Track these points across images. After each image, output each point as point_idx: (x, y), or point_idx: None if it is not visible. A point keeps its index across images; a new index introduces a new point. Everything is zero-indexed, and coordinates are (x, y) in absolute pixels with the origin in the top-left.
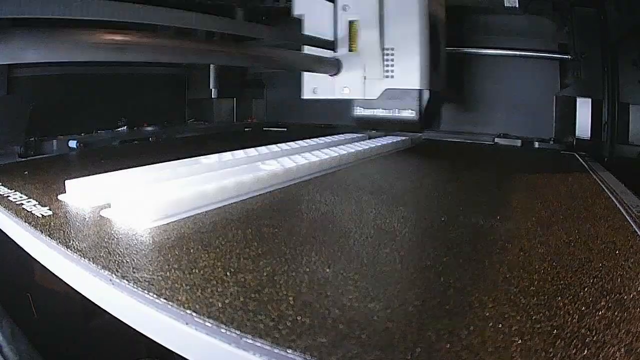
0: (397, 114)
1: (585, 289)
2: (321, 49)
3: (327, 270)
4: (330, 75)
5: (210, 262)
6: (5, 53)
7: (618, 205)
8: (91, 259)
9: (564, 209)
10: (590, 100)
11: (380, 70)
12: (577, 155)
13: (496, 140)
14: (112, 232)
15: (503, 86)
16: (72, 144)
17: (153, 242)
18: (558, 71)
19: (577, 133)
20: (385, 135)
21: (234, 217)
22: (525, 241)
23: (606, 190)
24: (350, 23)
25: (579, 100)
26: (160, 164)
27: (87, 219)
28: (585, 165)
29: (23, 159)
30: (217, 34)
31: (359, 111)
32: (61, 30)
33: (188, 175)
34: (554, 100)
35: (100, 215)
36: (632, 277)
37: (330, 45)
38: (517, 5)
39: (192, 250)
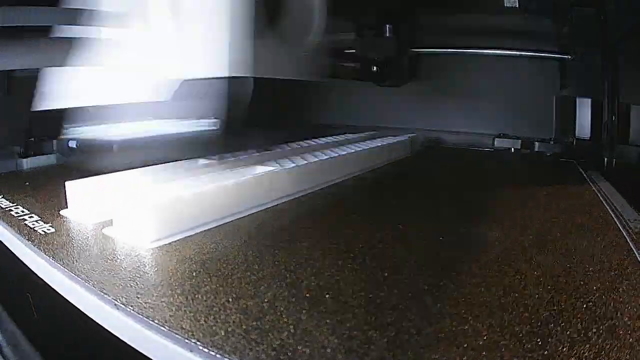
0: (192, 126)
1: (578, 315)
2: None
3: (326, 296)
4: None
5: (212, 287)
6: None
7: (616, 220)
8: (95, 282)
9: (562, 226)
10: (590, 100)
11: (171, 50)
12: (576, 163)
13: (496, 140)
14: (115, 253)
15: (503, 86)
16: (72, 144)
17: (155, 264)
18: (558, 71)
19: (577, 133)
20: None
21: (235, 237)
22: (522, 262)
23: (605, 204)
24: None
25: (579, 100)
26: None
27: (89, 238)
28: (584, 174)
29: (23, 158)
30: None
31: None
32: None
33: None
34: (554, 100)
35: (103, 234)
36: (625, 301)
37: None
38: (517, 5)
39: (194, 274)
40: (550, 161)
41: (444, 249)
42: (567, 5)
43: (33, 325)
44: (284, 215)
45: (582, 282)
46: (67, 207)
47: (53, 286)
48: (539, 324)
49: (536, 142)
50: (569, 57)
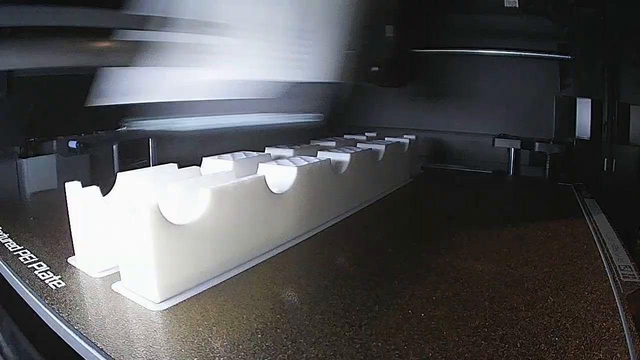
0: (298, 119)
1: None
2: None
3: None
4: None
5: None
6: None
7: (606, 268)
8: (112, 351)
9: (553, 278)
10: (590, 100)
11: (275, 59)
12: (573, 187)
13: (496, 140)
14: (127, 317)
15: (503, 86)
16: (72, 144)
17: (166, 331)
18: (558, 71)
19: (577, 133)
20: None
21: (238, 298)
22: (508, 327)
23: (597, 245)
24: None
25: (579, 100)
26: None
27: (100, 297)
28: (580, 203)
29: (23, 159)
30: None
31: (250, 118)
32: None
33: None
34: (554, 100)
35: (112, 290)
36: None
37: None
38: (517, 6)
39: (203, 343)
40: (547, 187)
41: (436, 309)
42: (567, 5)
43: (33, 325)
44: (283, 269)
45: (561, 351)
46: (73, 254)
47: (65, 340)
48: None
49: (536, 142)
50: (569, 57)
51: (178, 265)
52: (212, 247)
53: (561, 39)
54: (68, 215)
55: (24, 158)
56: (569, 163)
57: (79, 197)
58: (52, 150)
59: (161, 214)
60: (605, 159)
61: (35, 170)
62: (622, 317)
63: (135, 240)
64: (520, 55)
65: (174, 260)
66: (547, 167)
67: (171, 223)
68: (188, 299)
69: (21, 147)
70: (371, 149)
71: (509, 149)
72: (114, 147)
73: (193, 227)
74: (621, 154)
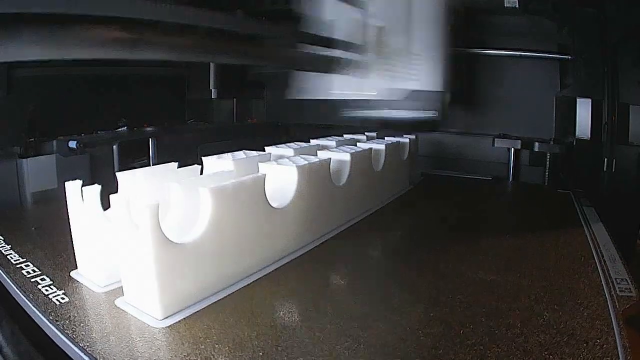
0: (419, 115)
1: None
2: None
3: None
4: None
5: None
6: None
7: (603, 281)
8: None
9: (550, 291)
10: (590, 100)
11: (405, 73)
12: (572, 195)
13: (496, 140)
14: (130, 333)
15: (503, 86)
16: (72, 144)
17: (169, 349)
18: (558, 71)
19: (577, 133)
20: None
21: (239, 315)
22: (504, 343)
23: (595, 258)
24: (378, 29)
25: (579, 100)
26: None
27: (104, 313)
28: (579, 211)
29: (22, 159)
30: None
31: (384, 112)
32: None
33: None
34: (554, 100)
35: (115, 306)
36: None
37: (357, 48)
38: (517, 6)
39: None
40: (547, 194)
41: (433, 326)
42: (567, 5)
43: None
44: (282, 284)
45: None
46: (76, 267)
47: (69, 354)
48: None
49: (536, 142)
50: (569, 57)
51: (180, 282)
52: (213, 262)
53: (561, 39)
54: (69, 221)
55: (24, 158)
56: (569, 163)
57: (80, 202)
58: (52, 150)
59: (162, 232)
60: (606, 160)
61: (35, 170)
62: (616, 334)
63: (137, 257)
64: (520, 55)
65: (176, 277)
66: (547, 167)
67: (173, 241)
68: (190, 315)
69: (21, 147)
70: (372, 148)
71: (509, 149)
72: (114, 147)
73: (195, 242)
74: (621, 154)
